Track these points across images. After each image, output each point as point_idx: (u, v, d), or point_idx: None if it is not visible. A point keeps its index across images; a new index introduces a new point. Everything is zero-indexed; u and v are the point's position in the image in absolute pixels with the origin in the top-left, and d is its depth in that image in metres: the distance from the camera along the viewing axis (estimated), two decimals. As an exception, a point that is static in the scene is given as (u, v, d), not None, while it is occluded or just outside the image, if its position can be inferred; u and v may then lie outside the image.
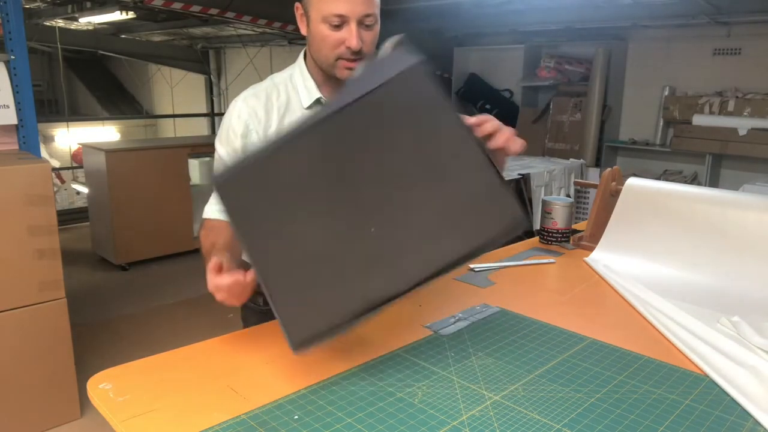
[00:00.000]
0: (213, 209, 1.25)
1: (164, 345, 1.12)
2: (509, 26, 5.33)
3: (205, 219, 1.25)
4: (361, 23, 1.16)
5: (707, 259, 1.47)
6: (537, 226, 1.96)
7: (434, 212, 0.93)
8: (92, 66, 9.07)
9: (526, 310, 1.27)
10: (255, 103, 1.26)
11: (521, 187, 4.11)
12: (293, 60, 1.33)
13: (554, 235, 1.75)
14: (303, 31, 1.23)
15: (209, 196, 1.30)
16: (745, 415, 0.90)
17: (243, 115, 1.24)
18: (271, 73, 1.33)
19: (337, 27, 1.16)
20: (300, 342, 0.92)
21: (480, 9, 4.92)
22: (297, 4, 1.23)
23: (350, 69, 1.20)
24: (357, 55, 1.18)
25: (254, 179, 0.96)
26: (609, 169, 1.75)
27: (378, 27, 1.21)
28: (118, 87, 9.42)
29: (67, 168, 6.48)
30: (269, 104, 1.26)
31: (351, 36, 1.15)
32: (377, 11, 1.19)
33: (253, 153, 0.97)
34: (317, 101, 1.27)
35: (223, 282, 0.98)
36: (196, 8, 4.57)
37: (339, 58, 1.19)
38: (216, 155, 1.29)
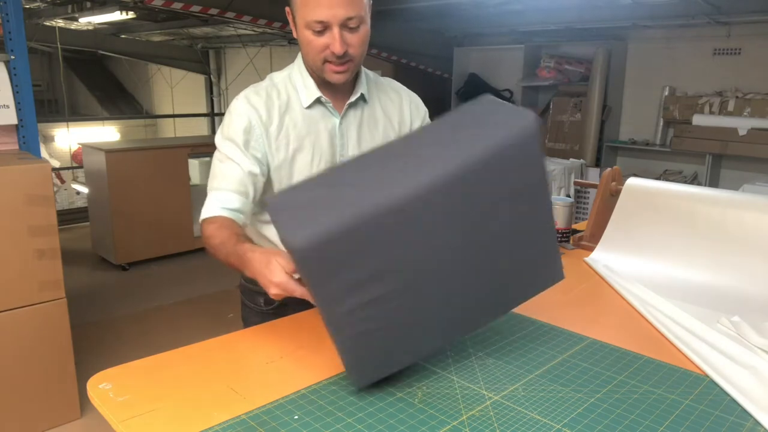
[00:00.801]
0: (214, 207, 1.21)
1: (164, 345, 1.12)
2: (509, 26, 5.33)
3: (209, 217, 1.21)
4: (344, 26, 1.15)
5: (707, 259, 1.47)
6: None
7: (500, 275, 0.99)
8: (92, 66, 9.07)
9: (527, 310, 1.27)
10: (257, 101, 1.26)
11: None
12: (293, 60, 1.33)
13: (554, 235, 1.75)
14: (294, 34, 1.24)
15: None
16: (745, 415, 0.90)
17: (245, 111, 1.24)
18: (271, 73, 1.33)
19: (321, 32, 1.16)
20: (359, 382, 0.94)
21: (480, 9, 4.92)
22: (287, 9, 1.23)
23: (338, 73, 1.20)
24: (343, 58, 1.18)
25: (341, 245, 0.82)
26: (609, 169, 1.75)
27: (365, 28, 1.19)
28: (118, 87, 9.42)
29: (67, 168, 6.47)
30: (270, 102, 1.26)
31: (334, 41, 1.15)
32: (363, 12, 1.17)
33: (337, 217, 0.83)
34: (317, 100, 1.27)
35: (297, 291, 0.95)
36: (196, 8, 4.57)
37: (325, 61, 1.19)
38: (216, 152, 1.27)
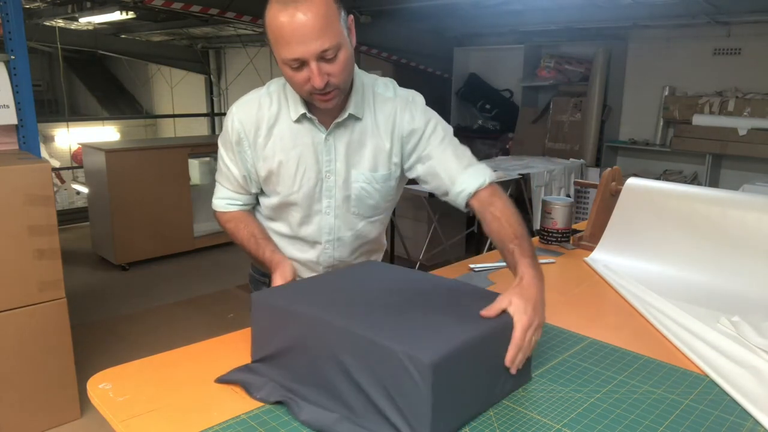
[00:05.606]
0: (222, 202, 1.38)
1: (164, 345, 1.12)
2: (509, 26, 5.33)
3: (222, 211, 1.39)
4: (321, 59, 1.11)
5: (707, 259, 1.47)
6: (537, 226, 1.95)
7: None
8: (92, 66, 9.06)
9: (526, 310, 1.27)
10: (247, 113, 1.28)
11: (521, 187, 4.11)
12: None
13: (554, 235, 1.75)
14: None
15: (209, 196, 1.41)
16: (745, 415, 0.90)
17: (235, 125, 1.29)
18: (271, 73, 1.34)
19: (298, 68, 1.13)
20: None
21: (479, 9, 4.92)
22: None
23: (325, 101, 1.17)
24: (325, 89, 1.14)
25: None
26: (609, 169, 1.75)
27: (345, 53, 1.14)
28: (118, 87, 9.41)
29: (67, 168, 6.46)
30: (260, 114, 1.28)
31: (313, 76, 1.12)
32: (339, 39, 1.12)
33: None
34: (303, 116, 1.25)
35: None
36: (196, 8, 4.57)
37: (310, 93, 1.16)
38: (219, 152, 1.36)
